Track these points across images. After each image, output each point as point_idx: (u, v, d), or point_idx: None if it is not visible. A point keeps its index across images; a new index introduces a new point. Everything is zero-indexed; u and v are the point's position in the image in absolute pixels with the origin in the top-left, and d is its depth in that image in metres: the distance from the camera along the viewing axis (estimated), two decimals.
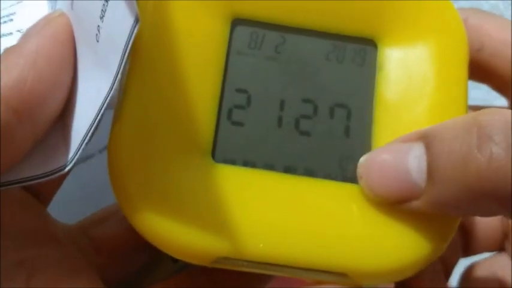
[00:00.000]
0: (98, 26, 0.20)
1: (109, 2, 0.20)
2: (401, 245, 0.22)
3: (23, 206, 0.24)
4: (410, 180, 0.21)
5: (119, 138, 0.22)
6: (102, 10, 0.20)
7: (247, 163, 0.23)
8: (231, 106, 0.23)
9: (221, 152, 0.23)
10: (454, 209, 0.21)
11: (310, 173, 0.23)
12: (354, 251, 0.22)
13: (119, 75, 0.20)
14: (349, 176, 0.23)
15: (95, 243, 0.26)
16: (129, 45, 0.19)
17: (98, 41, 0.20)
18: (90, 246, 0.25)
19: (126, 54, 0.19)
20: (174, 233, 0.21)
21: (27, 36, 0.22)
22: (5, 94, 0.20)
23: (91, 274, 0.23)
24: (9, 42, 0.24)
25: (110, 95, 0.20)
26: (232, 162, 0.23)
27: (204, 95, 0.23)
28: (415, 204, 0.21)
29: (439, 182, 0.20)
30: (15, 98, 0.20)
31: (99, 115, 0.20)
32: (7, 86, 0.20)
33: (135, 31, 0.19)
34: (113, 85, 0.20)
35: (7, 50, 0.21)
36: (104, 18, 0.20)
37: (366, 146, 0.23)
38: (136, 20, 0.19)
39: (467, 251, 0.29)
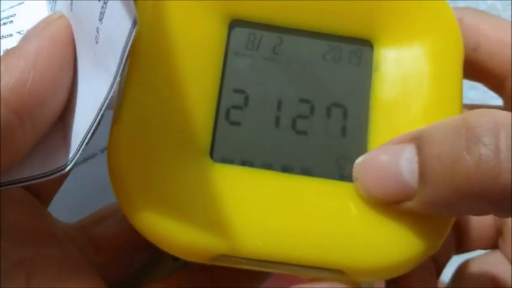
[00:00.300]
0: (97, 27, 0.20)
1: (108, 3, 0.20)
2: (397, 242, 0.22)
3: (23, 206, 0.24)
4: (403, 182, 0.21)
5: (118, 138, 0.22)
6: (101, 12, 0.20)
7: (245, 162, 0.23)
8: (229, 106, 0.23)
9: (219, 152, 0.23)
10: (446, 210, 0.21)
11: (307, 172, 0.23)
12: (350, 248, 0.22)
13: (118, 77, 0.20)
14: (346, 175, 0.23)
15: (94, 242, 0.26)
16: (128, 47, 0.19)
17: (97, 43, 0.21)
18: (90, 245, 0.25)
19: (125, 56, 0.19)
20: (173, 231, 0.21)
21: (27, 38, 0.22)
22: (6, 95, 0.20)
23: (91, 273, 0.24)
24: (9, 43, 0.24)
25: (109, 96, 0.20)
26: (230, 161, 0.23)
27: (202, 95, 0.23)
28: (409, 205, 0.21)
29: (430, 183, 0.20)
30: (15, 99, 0.20)
31: (99, 116, 0.20)
32: (7, 88, 0.20)
33: (134, 33, 0.19)
34: (112, 86, 0.20)
35: (7, 51, 0.21)
36: (102, 20, 0.20)
37: (362, 145, 0.23)
38: (135, 23, 0.19)
39: (461, 249, 0.28)
